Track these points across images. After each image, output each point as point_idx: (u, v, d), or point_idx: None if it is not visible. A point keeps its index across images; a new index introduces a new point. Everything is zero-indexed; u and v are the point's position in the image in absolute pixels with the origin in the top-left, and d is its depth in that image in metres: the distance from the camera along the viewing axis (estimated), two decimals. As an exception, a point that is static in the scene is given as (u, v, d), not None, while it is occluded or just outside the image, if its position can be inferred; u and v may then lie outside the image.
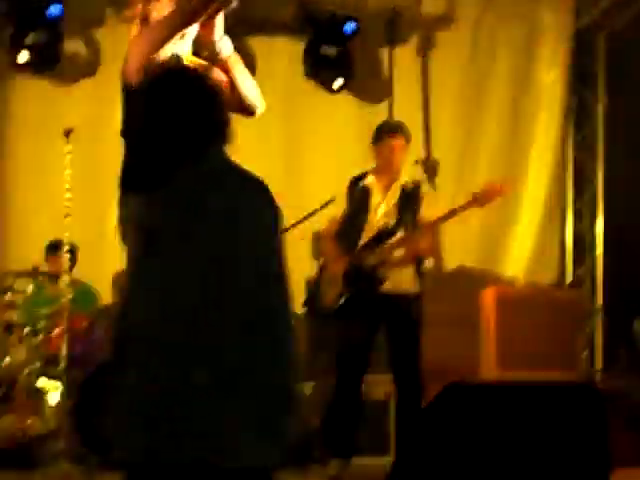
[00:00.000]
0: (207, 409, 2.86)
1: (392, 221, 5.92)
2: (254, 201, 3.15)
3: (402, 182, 5.97)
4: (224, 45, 4.42)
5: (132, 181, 3.38)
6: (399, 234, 5.90)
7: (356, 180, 6.05)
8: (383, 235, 5.92)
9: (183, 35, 4.47)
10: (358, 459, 5.84)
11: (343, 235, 6.02)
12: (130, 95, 4.37)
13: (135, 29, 4.59)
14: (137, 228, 3.21)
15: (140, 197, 3.19)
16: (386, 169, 5.96)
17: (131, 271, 3.12)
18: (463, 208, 5.96)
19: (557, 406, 4.50)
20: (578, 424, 4.46)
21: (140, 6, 4.55)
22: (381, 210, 5.95)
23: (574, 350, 7.26)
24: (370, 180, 5.99)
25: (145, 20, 4.51)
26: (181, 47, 4.52)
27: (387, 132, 6.01)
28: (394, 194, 5.96)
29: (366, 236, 5.95)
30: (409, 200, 5.99)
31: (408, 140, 6.05)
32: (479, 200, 5.96)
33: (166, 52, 4.42)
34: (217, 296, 2.96)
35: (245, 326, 2.96)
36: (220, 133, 3.13)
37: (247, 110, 4.53)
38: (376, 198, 5.99)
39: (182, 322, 2.94)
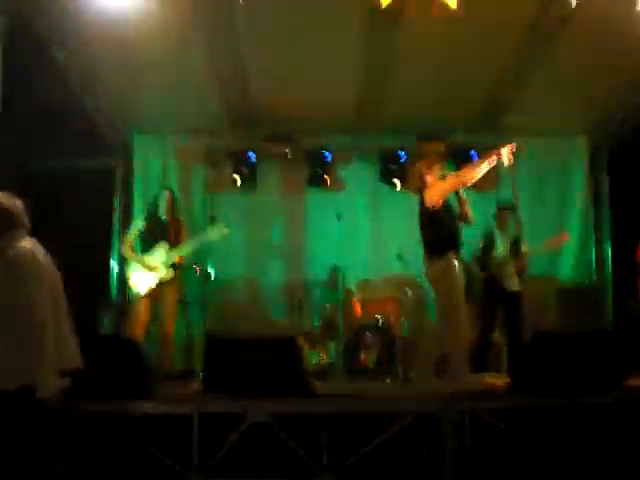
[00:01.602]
0: None
1: (508, 255, 6.05)
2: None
3: (511, 235, 6.13)
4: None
5: None
6: (512, 261, 5.99)
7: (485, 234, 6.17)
8: (502, 262, 6.02)
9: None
10: (487, 373, 5.74)
11: (482, 262, 6.10)
12: (428, 211, 4.84)
13: (430, 178, 4.89)
14: None
15: None
16: (501, 228, 6.20)
17: None
18: (547, 248, 6.24)
19: (594, 338, 4.72)
20: (607, 348, 4.65)
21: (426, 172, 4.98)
22: (501, 248, 6.08)
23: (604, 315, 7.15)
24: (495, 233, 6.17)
25: (427, 172, 4.89)
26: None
27: (502, 208, 6.18)
28: (507, 241, 6.12)
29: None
30: (515, 244, 6.10)
31: (514, 211, 6.11)
32: (554, 243, 6.24)
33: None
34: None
35: None
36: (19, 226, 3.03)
37: (469, 222, 5.02)
38: (498, 241, 6.11)
39: None
